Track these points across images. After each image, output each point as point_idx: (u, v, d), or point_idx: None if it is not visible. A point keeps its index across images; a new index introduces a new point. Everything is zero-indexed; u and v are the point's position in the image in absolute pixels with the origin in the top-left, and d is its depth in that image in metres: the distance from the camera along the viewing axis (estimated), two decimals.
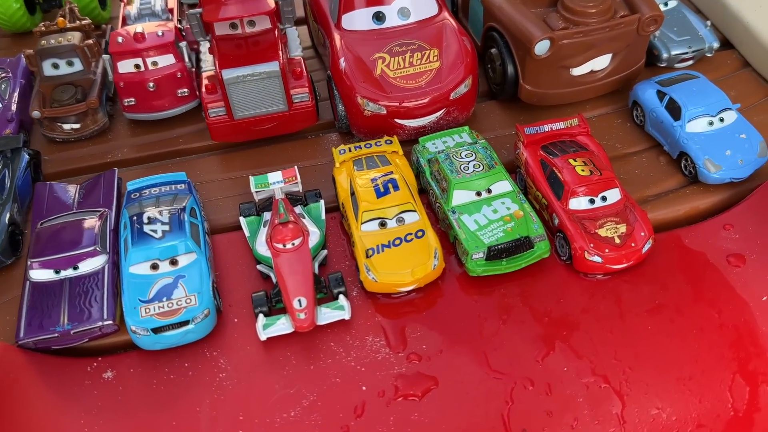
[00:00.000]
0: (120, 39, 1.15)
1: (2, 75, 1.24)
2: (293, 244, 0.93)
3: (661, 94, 1.10)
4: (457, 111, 1.13)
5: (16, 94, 1.21)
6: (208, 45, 1.17)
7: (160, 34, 1.16)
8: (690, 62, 1.25)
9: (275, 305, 0.92)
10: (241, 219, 1.01)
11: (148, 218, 0.94)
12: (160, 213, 0.95)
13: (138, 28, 1.15)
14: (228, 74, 1.07)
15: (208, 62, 1.17)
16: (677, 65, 1.25)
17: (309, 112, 1.15)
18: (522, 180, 1.05)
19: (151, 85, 1.16)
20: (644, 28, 1.10)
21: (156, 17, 1.25)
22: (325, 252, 0.98)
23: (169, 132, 1.21)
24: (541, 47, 1.07)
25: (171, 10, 1.29)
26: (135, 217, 0.95)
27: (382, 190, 0.98)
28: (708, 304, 0.92)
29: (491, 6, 1.16)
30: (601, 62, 1.13)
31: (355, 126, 1.14)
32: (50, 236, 0.95)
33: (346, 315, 0.90)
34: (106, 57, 1.15)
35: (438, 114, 1.11)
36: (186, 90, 1.19)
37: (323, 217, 1.02)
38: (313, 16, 1.29)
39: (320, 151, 1.17)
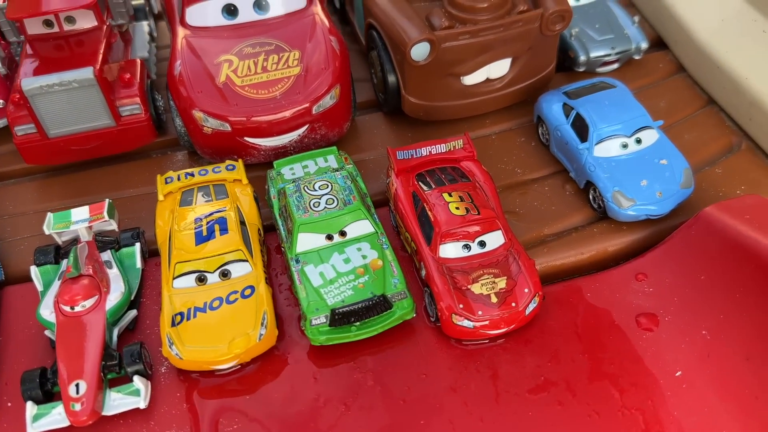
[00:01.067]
0: None
1: None
2: (83, 306, 0.73)
3: (567, 109, 0.90)
4: (325, 127, 0.92)
5: None
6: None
7: None
8: (614, 66, 1.06)
9: (53, 388, 0.71)
10: (33, 269, 0.80)
11: None
12: None
13: None
14: (29, 84, 0.85)
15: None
16: (599, 69, 1.05)
17: (143, 128, 0.94)
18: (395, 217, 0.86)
19: None
20: (549, 26, 0.90)
21: None
22: (133, 313, 0.77)
23: None
24: (419, 51, 0.87)
25: None
26: None
27: (205, 233, 0.77)
28: (609, 381, 0.72)
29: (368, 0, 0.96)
30: (498, 68, 0.93)
31: (197, 145, 0.93)
32: None
33: (141, 403, 0.69)
34: None
35: (300, 131, 0.91)
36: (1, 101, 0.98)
37: (139, 265, 0.81)
38: (163, 10, 1.07)
39: (161, 173, 0.96)
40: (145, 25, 1.08)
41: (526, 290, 0.74)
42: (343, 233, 0.78)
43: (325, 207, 0.79)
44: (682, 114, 1.00)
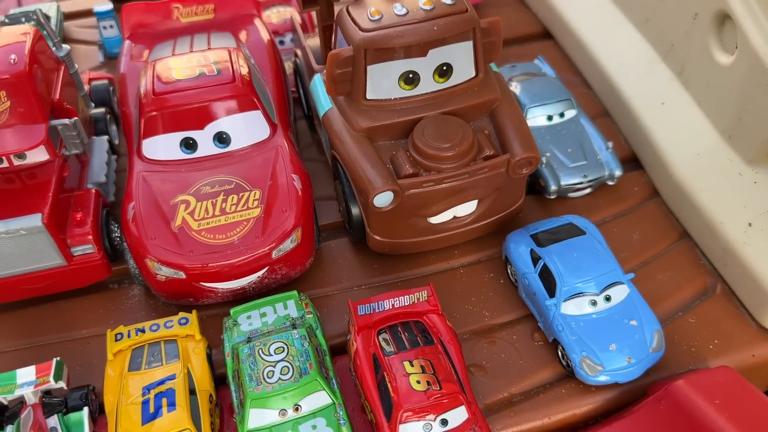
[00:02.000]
0: None
1: None
2: None
3: (535, 256, 0.87)
4: (286, 267, 0.89)
5: None
6: None
7: None
8: (587, 191, 1.03)
9: None
10: None
11: None
12: None
13: None
14: None
15: None
16: (571, 194, 1.03)
17: (97, 266, 0.90)
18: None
19: None
20: (516, 170, 0.87)
21: None
22: None
23: None
24: (382, 200, 0.84)
25: None
26: None
27: (152, 410, 0.73)
28: None
29: (333, 135, 0.91)
30: (465, 208, 0.90)
31: (152, 287, 0.89)
32: None
33: None
34: None
35: (260, 273, 0.87)
36: None
37: (87, 429, 0.77)
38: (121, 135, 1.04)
39: (114, 311, 0.92)
40: (104, 141, 1.04)
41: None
42: (297, 408, 0.74)
43: (279, 378, 0.75)
44: (657, 248, 0.97)
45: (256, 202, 0.87)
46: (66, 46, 1.00)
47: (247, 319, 0.84)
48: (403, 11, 0.85)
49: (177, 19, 1.10)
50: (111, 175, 1.03)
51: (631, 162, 1.10)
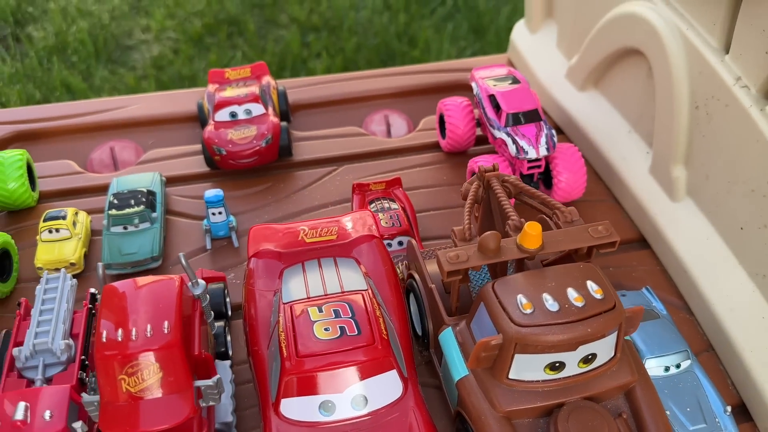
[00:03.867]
0: None
1: None
2: None
3: None
4: None
5: None
6: None
7: (48, 417, 0.90)
8: None
9: None
10: None
11: None
12: None
13: (20, 410, 0.89)
14: None
15: None
16: None
17: None
18: None
19: None
20: None
21: (54, 356, 1.00)
22: None
23: None
24: None
25: (76, 336, 1.04)
26: None
27: None
28: None
29: (466, 400, 0.91)
30: None
31: None
32: None
33: None
34: None
35: None
36: None
37: None
38: (250, 363, 1.05)
39: None
40: (227, 369, 1.05)
41: None
42: None
43: None
44: None
45: None
46: (201, 282, 1.01)
47: None
48: (556, 307, 0.87)
49: (302, 240, 1.12)
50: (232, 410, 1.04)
51: (740, 407, 1.11)
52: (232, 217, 1.36)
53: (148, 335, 0.86)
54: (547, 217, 1.06)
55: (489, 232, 0.93)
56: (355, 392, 0.92)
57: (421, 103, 1.77)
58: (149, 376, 0.86)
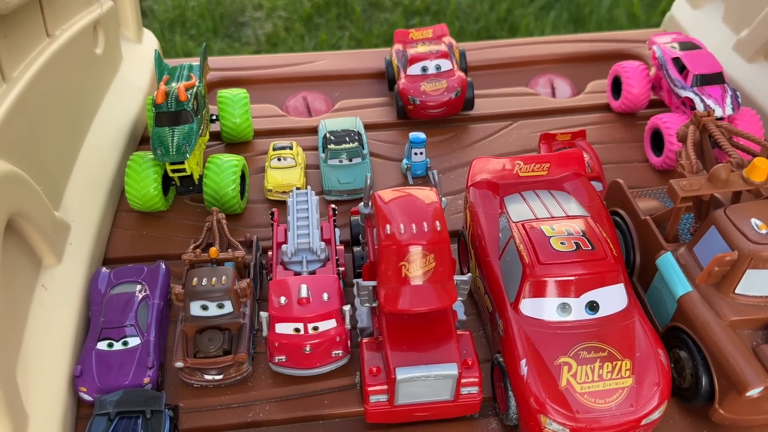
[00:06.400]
0: (283, 300, 1.06)
1: (141, 294, 1.16)
2: None
3: None
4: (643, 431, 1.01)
5: (153, 327, 1.13)
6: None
7: (326, 298, 1.06)
8: None
9: None
10: None
11: None
12: None
13: (303, 290, 1.06)
14: (402, 374, 0.97)
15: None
16: None
17: (474, 404, 1.04)
18: None
19: (308, 348, 1.06)
20: None
21: (313, 255, 1.16)
22: None
23: (313, 386, 1.11)
24: (754, 392, 0.95)
25: (327, 241, 1.21)
26: None
27: None
28: None
29: (691, 314, 1.03)
30: None
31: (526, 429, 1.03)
32: None
33: None
34: (264, 315, 1.06)
35: None
36: (340, 351, 1.10)
37: None
38: (479, 271, 1.19)
39: None
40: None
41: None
42: None
43: None
44: None
45: (627, 372, 1.00)
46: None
47: None
48: None
49: (516, 173, 1.25)
50: None
51: None
52: (428, 159, 1.50)
53: (425, 230, 1.01)
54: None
55: (720, 164, 1.04)
56: (589, 298, 1.05)
57: (583, 69, 1.88)
58: (425, 265, 1.00)
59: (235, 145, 1.60)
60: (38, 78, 1.20)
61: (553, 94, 1.82)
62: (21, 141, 1.12)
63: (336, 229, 1.28)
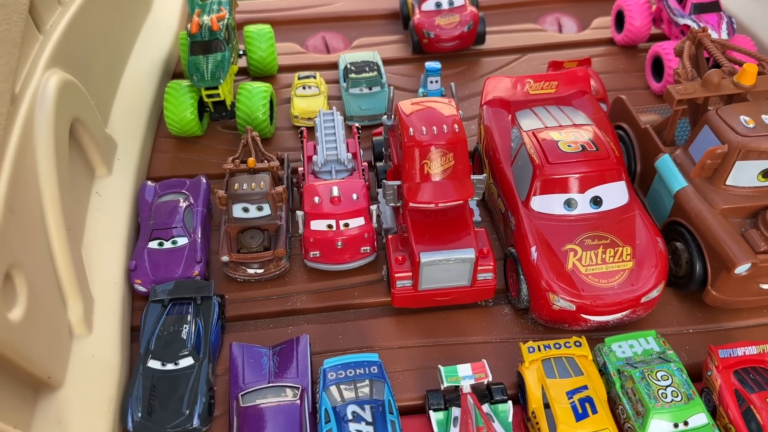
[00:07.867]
0: (316, 199, 1.17)
1: (185, 203, 1.27)
2: None
3: None
4: (643, 310, 1.13)
5: (199, 229, 1.25)
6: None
7: (355, 198, 1.18)
8: None
9: None
10: (431, 414, 1.03)
11: (353, 414, 0.97)
12: (362, 408, 0.98)
13: (334, 190, 1.18)
14: (426, 258, 1.09)
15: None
16: None
17: (489, 289, 1.16)
18: (709, 401, 1.05)
19: (339, 243, 1.18)
20: None
21: (341, 165, 1.27)
22: None
23: (344, 281, 1.24)
24: (741, 269, 1.07)
25: (355, 155, 1.32)
26: (338, 410, 0.98)
27: (580, 411, 0.98)
28: None
29: (686, 206, 1.15)
30: None
31: (537, 313, 1.14)
32: (255, 416, 0.99)
33: None
34: (299, 213, 1.18)
35: (624, 312, 1.11)
36: (368, 248, 1.21)
37: (510, 419, 1.03)
38: (492, 178, 1.30)
39: (494, 325, 1.18)
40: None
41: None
42: (686, 423, 0.97)
43: (672, 399, 0.98)
44: None
45: (628, 256, 1.11)
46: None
47: (619, 348, 1.08)
48: None
49: (527, 91, 1.35)
50: None
51: None
52: (443, 88, 1.61)
53: (445, 131, 1.12)
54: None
55: (713, 69, 1.14)
56: (593, 194, 1.16)
57: (588, 8, 1.96)
58: (445, 163, 1.11)
59: (261, 78, 1.71)
60: (86, 5, 1.31)
61: (560, 32, 1.92)
62: (76, 58, 1.22)
63: (360, 148, 1.39)
